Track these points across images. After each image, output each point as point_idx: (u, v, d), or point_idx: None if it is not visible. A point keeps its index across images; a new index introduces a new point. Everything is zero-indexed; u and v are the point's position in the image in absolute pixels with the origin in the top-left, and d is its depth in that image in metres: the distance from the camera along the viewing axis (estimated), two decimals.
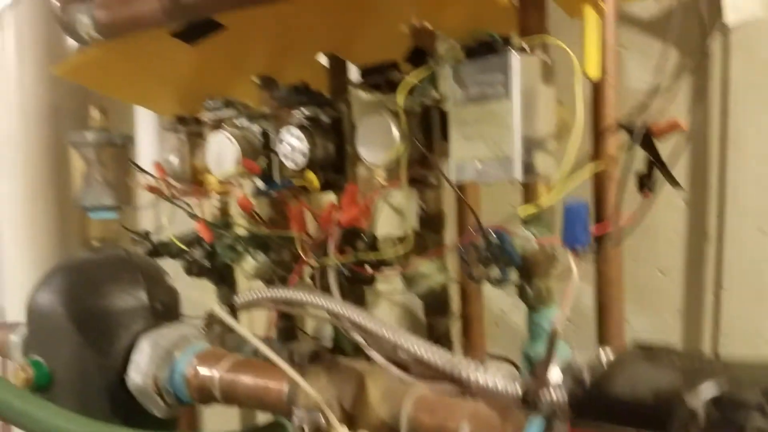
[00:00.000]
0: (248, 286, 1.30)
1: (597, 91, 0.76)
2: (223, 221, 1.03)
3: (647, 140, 0.66)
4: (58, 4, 0.84)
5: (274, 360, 0.57)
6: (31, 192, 1.18)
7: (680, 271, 0.97)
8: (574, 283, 0.40)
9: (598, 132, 0.76)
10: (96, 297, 0.73)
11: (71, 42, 1.19)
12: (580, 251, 0.43)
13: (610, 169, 0.75)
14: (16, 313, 1.25)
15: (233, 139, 0.91)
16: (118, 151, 0.77)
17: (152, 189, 1.02)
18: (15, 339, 0.84)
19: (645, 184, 0.68)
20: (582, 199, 0.47)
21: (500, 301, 1.12)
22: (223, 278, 1.09)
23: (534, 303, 0.72)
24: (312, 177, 0.82)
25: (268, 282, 0.97)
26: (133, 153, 1.35)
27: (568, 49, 0.63)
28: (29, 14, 1.15)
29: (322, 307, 0.61)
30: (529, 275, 0.68)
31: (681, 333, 0.98)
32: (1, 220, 1.25)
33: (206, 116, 0.99)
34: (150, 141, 1.46)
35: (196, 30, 0.83)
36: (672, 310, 0.98)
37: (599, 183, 0.76)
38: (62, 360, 0.74)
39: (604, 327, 0.81)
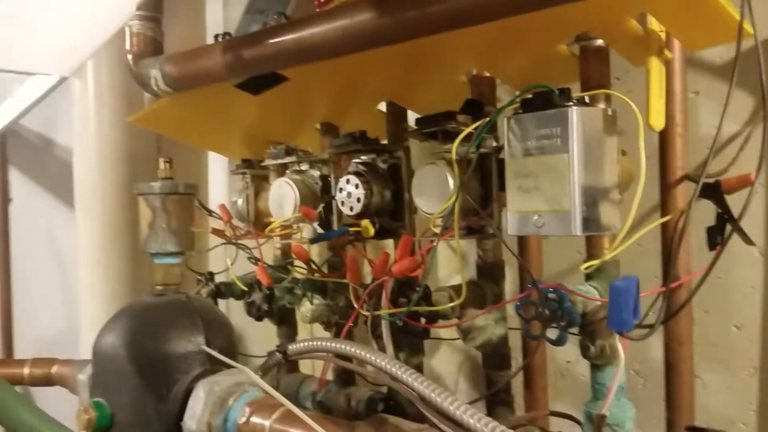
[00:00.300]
0: (308, 328, 1.31)
1: (664, 140, 0.73)
2: (284, 263, 1.04)
3: (717, 194, 0.62)
4: (132, 58, 0.89)
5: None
6: (107, 232, 1.23)
7: (757, 326, 0.91)
8: (620, 368, 0.38)
9: (665, 183, 0.73)
10: (156, 342, 0.75)
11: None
12: (628, 334, 0.40)
13: (679, 222, 0.71)
14: (88, 347, 1.31)
15: (293, 185, 0.92)
16: (183, 199, 0.79)
17: (216, 231, 1.04)
18: (82, 378, 0.87)
19: (715, 238, 0.64)
20: (633, 275, 0.44)
21: (567, 352, 1.08)
22: (284, 320, 1.10)
23: (597, 361, 0.68)
24: (367, 224, 0.82)
25: (326, 325, 0.97)
26: (204, 198, 1.40)
27: (629, 101, 0.60)
28: (107, 65, 1.22)
29: (372, 364, 0.60)
30: (592, 334, 0.65)
31: (757, 391, 0.91)
32: (78, 256, 1.31)
33: (268, 162, 1.01)
34: (221, 184, 1.51)
35: (260, 82, 0.85)
36: (748, 367, 0.91)
37: (667, 236, 0.72)
38: (122, 402, 0.76)
39: (673, 386, 0.76)
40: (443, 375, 1.22)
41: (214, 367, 0.77)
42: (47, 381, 1.00)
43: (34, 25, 0.29)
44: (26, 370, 1.00)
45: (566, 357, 1.05)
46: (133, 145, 1.25)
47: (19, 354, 2.11)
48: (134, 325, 0.76)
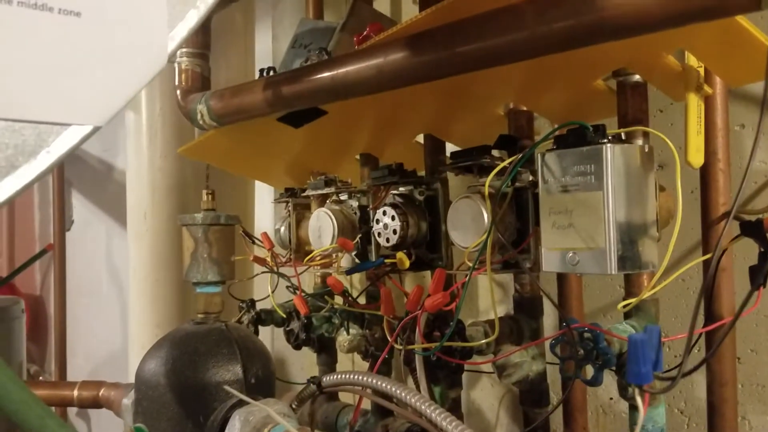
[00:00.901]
0: (348, 356, 1.31)
1: (706, 175, 0.71)
2: (321, 292, 1.06)
3: (759, 232, 0.60)
4: (180, 93, 0.93)
5: None
6: (156, 260, 1.28)
7: None
8: (639, 424, 0.37)
9: (707, 219, 0.71)
10: (195, 371, 0.77)
11: None
12: (648, 387, 0.39)
13: (722, 260, 0.69)
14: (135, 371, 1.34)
15: (332, 216, 0.94)
16: (224, 230, 0.82)
17: (257, 259, 1.07)
18: (126, 402, 0.90)
19: (758, 278, 0.62)
20: (655, 325, 0.43)
21: (609, 388, 1.05)
22: (323, 348, 1.11)
23: (635, 402, 0.67)
24: (402, 256, 0.83)
25: (364, 355, 0.97)
26: (251, 226, 1.43)
27: (666, 139, 0.59)
28: (160, 98, 1.28)
29: (402, 402, 0.61)
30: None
31: None
32: (129, 281, 1.36)
33: (309, 192, 1.03)
34: (267, 212, 1.54)
35: (300, 116, 0.87)
36: None
37: (709, 273, 0.70)
38: (162, 428, 0.78)
39: (716, 428, 0.73)
40: (483, 408, 1.20)
41: (251, 396, 0.78)
42: (95, 403, 1.03)
43: (67, 77, 0.31)
44: (75, 393, 1.04)
45: (609, 394, 1.03)
46: (184, 174, 1.29)
47: (71, 371, 2.18)
48: (174, 354, 0.79)
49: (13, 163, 0.34)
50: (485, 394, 1.20)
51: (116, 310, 2.25)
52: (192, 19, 0.42)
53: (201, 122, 0.91)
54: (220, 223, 0.82)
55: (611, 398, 1.03)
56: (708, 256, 0.70)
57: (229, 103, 0.85)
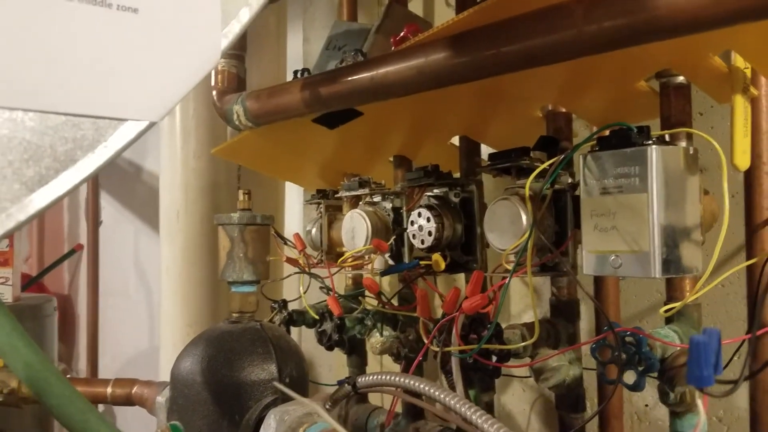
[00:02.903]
0: (377, 358, 1.31)
1: (750, 178, 0.69)
2: (355, 294, 1.05)
3: None
4: (216, 94, 0.93)
5: None
6: (188, 260, 1.29)
7: None
8: (700, 425, 0.36)
9: (751, 223, 0.69)
10: (230, 369, 0.77)
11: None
12: (709, 390, 0.38)
13: (767, 265, 0.68)
14: (167, 369, 1.35)
15: (366, 217, 0.94)
16: (260, 229, 0.82)
17: (290, 260, 1.07)
18: (160, 400, 0.91)
19: None
20: (714, 327, 0.42)
21: (644, 395, 1.04)
22: (354, 349, 1.11)
23: (677, 408, 0.66)
24: (438, 258, 0.82)
25: (396, 357, 0.97)
26: (280, 227, 1.44)
27: (713, 140, 0.58)
28: (194, 99, 1.29)
29: (441, 403, 0.60)
30: (672, 380, 0.63)
31: None
32: (161, 281, 1.37)
33: (342, 194, 1.03)
34: (297, 214, 1.55)
35: (335, 117, 0.87)
36: None
37: (754, 279, 0.69)
38: (197, 426, 0.78)
39: None
40: (514, 413, 1.19)
41: (285, 395, 0.79)
42: (127, 401, 1.04)
43: (124, 72, 0.31)
44: (109, 390, 1.05)
45: (644, 401, 1.01)
46: (216, 175, 1.30)
47: (101, 369, 2.21)
48: (210, 352, 0.79)
49: (72, 157, 0.35)
50: (516, 398, 1.19)
51: (144, 310, 2.27)
52: (244, 16, 0.42)
53: (237, 123, 0.92)
54: (256, 222, 0.82)
55: (646, 405, 1.01)
56: (753, 260, 0.68)
57: (266, 104, 0.86)
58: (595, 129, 0.88)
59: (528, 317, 1.15)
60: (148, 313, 2.27)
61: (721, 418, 0.93)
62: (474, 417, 0.56)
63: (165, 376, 1.30)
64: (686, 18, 0.46)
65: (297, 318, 1.09)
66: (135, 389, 1.03)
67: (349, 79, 0.74)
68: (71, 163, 0.35)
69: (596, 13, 0.50)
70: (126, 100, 0.37)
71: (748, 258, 0.70)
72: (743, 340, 0.68)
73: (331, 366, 1.58)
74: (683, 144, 0.65)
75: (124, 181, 2.34)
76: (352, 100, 0.76)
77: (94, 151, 0.36)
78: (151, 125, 0.38)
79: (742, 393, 0.77)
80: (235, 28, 0.42)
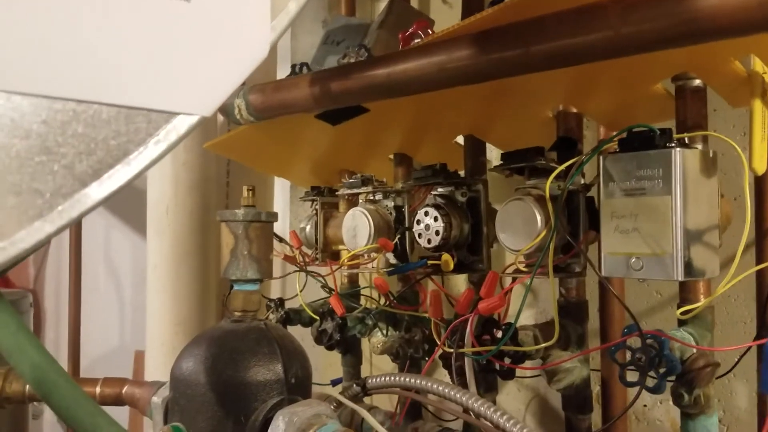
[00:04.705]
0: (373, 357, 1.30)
1: (761, 183, 0.70)
2: (357, 292, 1.04)
3: None
4: None
5: None
6: (177, 256, 1.25)
7: None
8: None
9: (761, 227, 0.70)
10: (235, 369, 0.75)
11: (220, 118, 1.28)
12: None
13: None
14: (154, 367, 1.32)
15: (369, 216, 0.92)
16: (264, 227, 0.80)
17: (288, 258, 1.05)
18: (156, 400, 0.88)
19: None
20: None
21: (643, 396, 1.05)
22: (349, 349, 1.10)
23: (690, 410, 0.66)
24: (447, 258, 0.82)
25: (395, 357, 0.96)
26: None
27: (734, 143, 0.59)
28: None
29: (460, 404, 0.59)
30: (690, 383, 0.63)
31: None
32: (147, 278, 1.33)
33: (343, 191, 1.02)
34: (282, 212, 1.52)
35: (340, 113, 0.86)
36: None
37: (764, 283, 0.70)
38: (201, 428, 0.76)
39: None
40: (510, 412, 1.19)
41: (291, 396, 0.77)
42: (117, 401, 1.00)
43: (176, 65, 0.30)
44: (97, 389, 1.01)
45: (642, 401, 1.02)
46: (207, 170, 1.27)
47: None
48: (213, 352, 0.77)
49: (125, 151, 0.33)
50: (512, 398, 1.19)
51: (115, 307, 2.21)
52: (292, 9, 0.41)
53: (238, 116, 0.89)
54: (260, 219, 0.80)
55: (645, 405, 1.02)
56: (764, 265, 0.69)
57: (271, 98, 0.83)
58: (602, 130, 0.88)
59: (525, 318, 1.15)
60: (119, 310, 2.21)
61: (720, 419, 0.94)
62: (502, 420, 0.55)
63: (152, 375, 1.27)
64: (729, 22, 0.46)
65: (294, 317, 1.07)
66: (125, 389, 0.99)
67: (363, 74, 0.72)
68: (124, 156, 0.33)
69: (635, 16, 0.50)
70: (177, 93, 0.35)
71: (758, 262, 0.71)
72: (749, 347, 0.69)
73: (317, 365, 1.57)
74: (700, 147, 0.66)
75: None
76: (364, 96, 0.75)
77: (147, 145, 0.34)
78: (202, 120, 0.36)
79: (742, 393, 0.78)
80: (283, 22, 0.40)
